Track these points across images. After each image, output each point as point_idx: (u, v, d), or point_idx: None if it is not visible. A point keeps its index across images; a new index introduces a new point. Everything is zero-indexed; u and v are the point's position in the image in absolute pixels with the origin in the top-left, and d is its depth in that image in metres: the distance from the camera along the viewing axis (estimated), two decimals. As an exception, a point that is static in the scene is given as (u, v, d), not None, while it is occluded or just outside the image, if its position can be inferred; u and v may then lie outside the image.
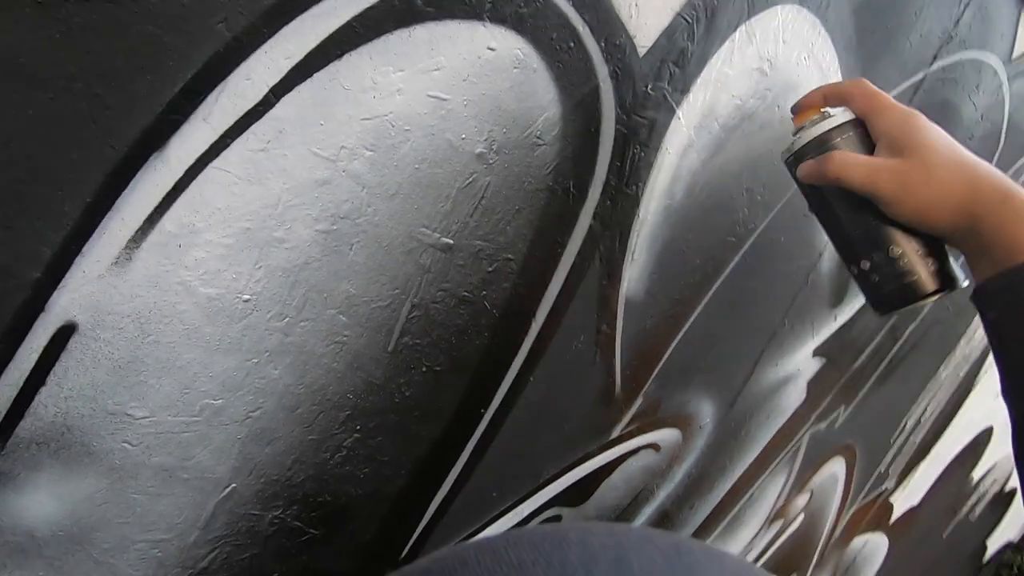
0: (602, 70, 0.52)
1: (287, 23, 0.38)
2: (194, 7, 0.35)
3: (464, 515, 0.65)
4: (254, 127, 0.39)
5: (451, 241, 0.51)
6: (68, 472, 0.41)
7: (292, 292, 0.45)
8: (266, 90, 0.38)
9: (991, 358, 0.51)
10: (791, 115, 0.55)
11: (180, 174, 0.38)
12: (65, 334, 0.37)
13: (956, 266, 0.52)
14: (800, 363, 1.00)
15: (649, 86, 0.56)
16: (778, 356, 0.94)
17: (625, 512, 0.88)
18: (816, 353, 1.03)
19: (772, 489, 1.20)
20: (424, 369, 0.54)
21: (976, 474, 2.28)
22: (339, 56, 0.40)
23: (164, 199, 0.38)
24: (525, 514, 0.72)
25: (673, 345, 0.76)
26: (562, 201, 0.56)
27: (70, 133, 0.34)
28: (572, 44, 0.50)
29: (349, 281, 0.47)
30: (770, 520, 1.27)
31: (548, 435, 0.69)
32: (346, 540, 0.57)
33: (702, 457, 0.94)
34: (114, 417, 0.41)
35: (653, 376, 0.76)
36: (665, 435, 0.85)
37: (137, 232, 0.38)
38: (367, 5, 0.40)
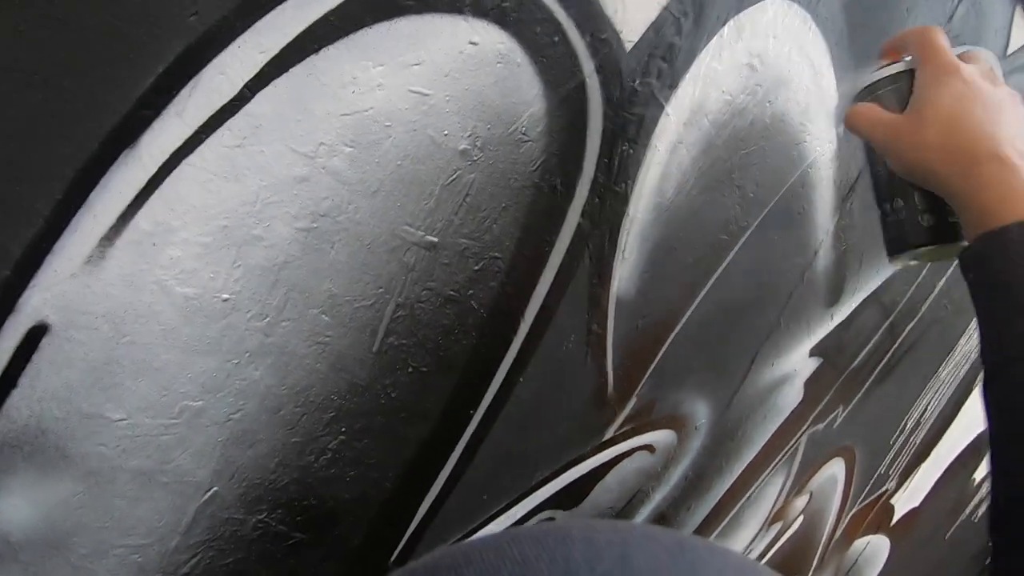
0: (588, 65, 0.52)
1: (261, 16, 0.37)
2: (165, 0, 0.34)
3: (454, 518, 0.64)
4: (229, 123, 0.38)
5: (436, 239, 0.50)
6: (43, 476, 0.40)
7: (272, 291, 0.44)
8: (241, 85, 0.38)
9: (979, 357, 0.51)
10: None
11: (153, 171, 0.37)
12: (37, 335, 0.37)
13: (957, 226, 0.53)
14: (797, 363, 0.99)
15: (637, 82, 0.56)
16: (774, 356, 0.93)
17: (620, 515, 0.87)
18: (813, 353, 1.02)
19: (770, 491, 1.19)
20: (410, 370, 0.54)
21: (978, 475, 2.26)
22: (316, 50, 0.40)
23: (137, 196, 0.37)
24: (517, 517, 0.71)
25: (666, 345, 0.75)
26: (549, 199, 0.55)
27: (38, 128, 0.33)
28: (556, 38, 0.49)
29: (331, 280, 0.46)
30: (769, 522, 1.26)
31: (540, 437, 0.68)
32: (333, 544, 0.57)
33: (698, 458, 0.93)
34: (90, 420, 0.40)
35: (646, 376, 0.76)
36: (660, 436, 0.84)
37: (110, 230, 0.37)
38: (344, -2, 0.39)
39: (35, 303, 0.36)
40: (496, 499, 0.68)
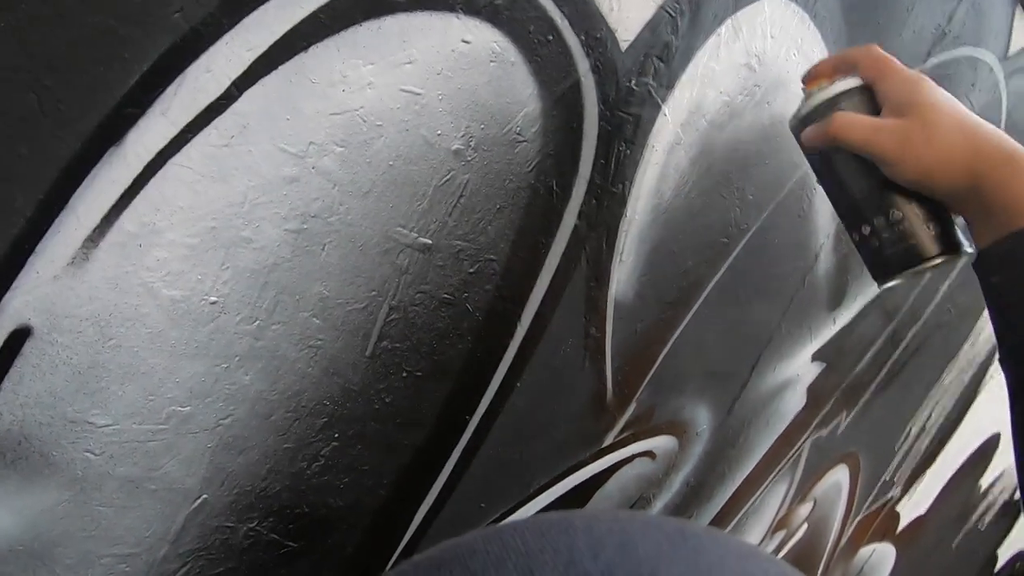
0: (583, 64, 0.51)
1: (248, 13, 0.36)
2: (149, -4, 0.33)
3: (451, 527, 0.63)
4: (216, 122, 0.38)
5: (429, 241, 0.49)
6: (27, 484, 0.39)
7: (262, 294, 0.43)
8: (228, 83, 0.37)
9: (996, 362, 0.50)
10: (801, 84, 0.55)
11: (138, 170, 0.36)
12: (19, 338, 0.36)
13: (961, 232, 0.51)
14: (799, 368, 0.98)
15: (633, 81, 0.55)
16: (776, 361, 0.92)
17: (621, 523, 0.86)
18: (815, 358, 1.01)
19: (774, 498, 1.17)
20: (404, 374, 0.53)
21: (984, 482, 2.24)
22: (305, 48, 0.39)
23: (122, 197, 0.36)
24: (516, 525, 0.70)
25: (666, 349, 0.74)
26: (545, 200, 0.54)
27: (20, 127, 0.32)
28: (551, 37, 0.48)
29: (322, 283, 0.46)
30: (773, 530, 1.25)
31: (537, 443, 0.67)
32: (326, 553, 0.55)
33: (700, 465, 0.92)
34: (75, 425, 0.39)
35: (646, 381, 0.75)
36: (660, 442, 0.83)
37: (94, 231, 0.36)
38: (333, -5, 0.39)
39: (17, 306, 0.35)
40: (493, 507, 0.67)
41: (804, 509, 1.32)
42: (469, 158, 0.48)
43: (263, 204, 0.41)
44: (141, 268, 0.38)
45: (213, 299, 0.41)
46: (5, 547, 0.40)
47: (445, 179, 0.48)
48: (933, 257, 0.50)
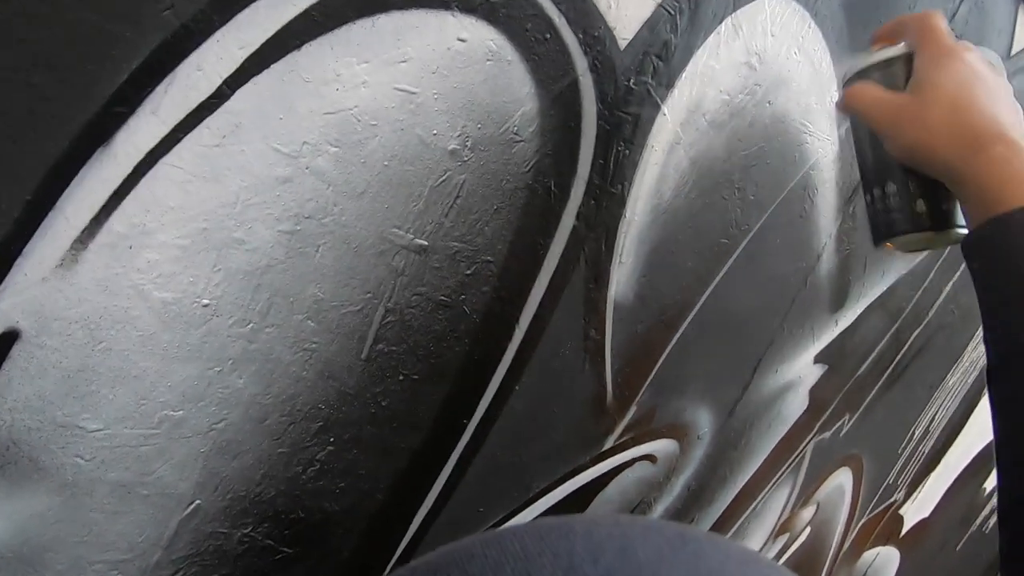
0: (581, 63, 0.50)
1: (240, 10, 0.36)
2: (138, -7, 0.33)
3: (448, 531, 0.62)
4: (208, 121, 0.37)
5: (425, 242, 0.49)
6: (16, 489, 0.39)
7: (255, 296, 0.43)
8: (219, 82, 0.37)
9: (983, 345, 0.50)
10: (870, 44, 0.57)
11: (128, 170, 0.36)
12: (7, 341, 0.35)
13: (958, 213, 0.51)
14: (801, 370, 0.97)
15: (632, 80, 0.54)
16: (777, 363, 0.91)
17: (622, 527, 0.85)
18: (817, 360, 1.00)
19: (776, 501, 1.17)
20: (401, 378, 0.52)
21: (989, 484, 2.23)
22: (298, 46, 0.38)
23: (112, 197, 0.36)
24: (515, 530, 0.69)
25: (667, 351, 0.74)
26: (543, 200, 0.54)
27: (6, 126, 0.32)
28: (548, 35, 0.48)
29: (317, 284, 0.45)
30: (775, 534, 1.24)
31: (536, 446, 0.66)
32: (322, 559, 0.55)
33: (701, 468, 0.91)
34: (64, 430, 0.39)
35: (647, 384, 0.74)
36: (661, 446, 0.82)
37: (83, 232, 0.36)
38: (326, -8, 0.38)
39: (4, 308, 0.35)
40: (492, 511, 0.66)
41: (807, 513, 1.31)
42: (465, 158, 0.48)
43: (256, 205, 0.40)
44: (131, 270, 0.38)
45: (205, 301, 0.41)
46: (-6, 554, 0.39)
47: (441, 179, 0.47)
48: (908, 231, 0.52)
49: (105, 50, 0.33)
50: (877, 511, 1.59)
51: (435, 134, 0.46)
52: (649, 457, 0.81)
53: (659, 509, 0.89)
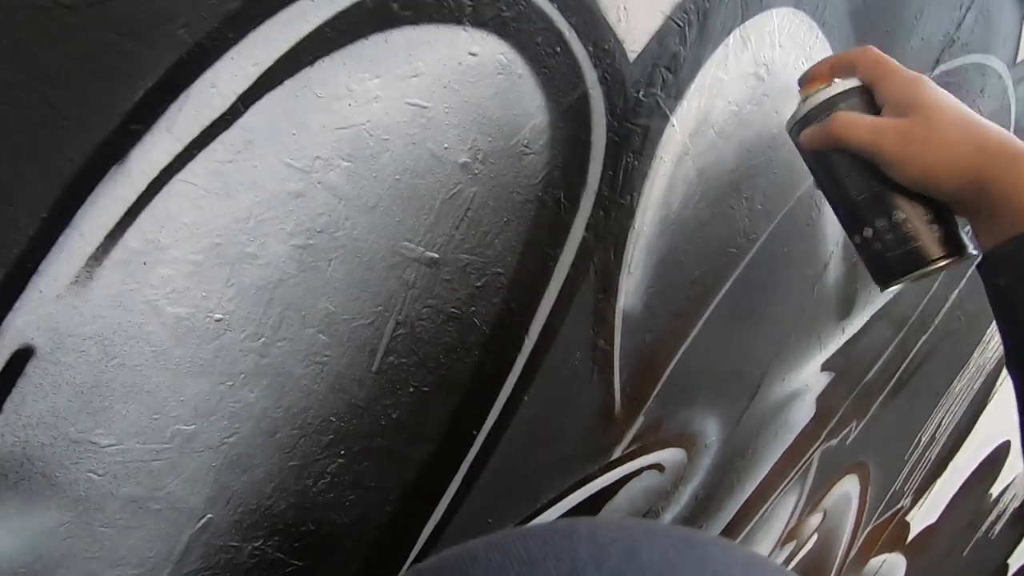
0: (591, 76, 0.50)
1: (254, 28, 0.36)
2: (153, 12, 0.33)
3: (458, 541, 0.62)
4: (221, 137, 0.37)
5: (436, 255, 0.49)
6: (29, 505, 0.39)
7: (267, 311, 0.43)
8: (233, 98, 0.37)
9: (1006, 370, 0.49)
10: (798, 87, 0.54)
11: (143, 187, 0.36)
12: (22, 358, 0.35)
13: (964, 234, 0.50)
14: (808, 378, 0.97)
15: (641, 92, 0.54)
16: (785, 371, 0.91)
17: (630, 536, 0.85)
18: (824, 368, 0.99)
19: (783, 509, 1.16)
20: (411, 389, 0.52)
21: (995, 490, 2.22)
22: (311, 63, 0.38)
23: (126, 214, 0.36)
24: (523, 540, 0.69)
25: (675, 361, 0.74)
26: (553, 212, 0.54)
27: (23, 144, 0.32)
28: (558, 49, 0.48)
29: (328, 298, 0.45)
30: (783, 541, 1.23)
31: (545, 457, 0.66)
32: (332, 571, 0.55)
33: (709, 477, 0.91)
34: (78, 445, 0.39)
35: (655, 394, 0.74)
36: (669, 455, 0.82)
37: (98, 249, 0.36)
38: (339, 9, 0.38)
39: (19, 325, 0.35)
40: (501, 521, 0.66)
41: (814, 520, 1.30)
42: (476, 171, 0.48)
43: (268, 220, 0.40)
44: (145, 285, 0.38)
45: (218, 316, 0.41)
46: (7, 569, 0.39)
47: (452, 192, 0.47)
48: (938, 259, 0.49)
49: (120, 68, 0.33)
50: (884, 518, 1.59)
51: (446, 147, 0.46)
52: (657, 466, 0.81)
53: (667, 518, 0.88)
